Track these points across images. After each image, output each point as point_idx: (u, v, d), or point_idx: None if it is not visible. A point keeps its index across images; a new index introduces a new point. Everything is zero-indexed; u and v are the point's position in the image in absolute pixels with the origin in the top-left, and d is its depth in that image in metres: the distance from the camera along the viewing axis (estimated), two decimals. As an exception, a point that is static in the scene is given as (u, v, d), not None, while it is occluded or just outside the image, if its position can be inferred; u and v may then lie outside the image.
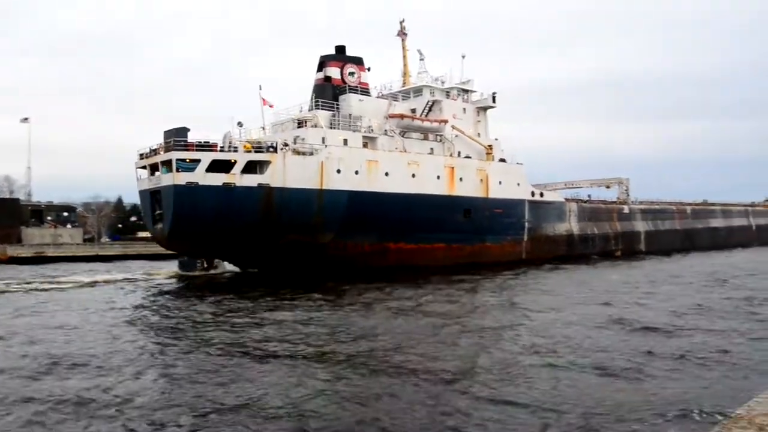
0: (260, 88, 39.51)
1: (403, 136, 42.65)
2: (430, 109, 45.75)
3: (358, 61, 43.98)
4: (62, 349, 15.28)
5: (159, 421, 9.71)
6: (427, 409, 10.15)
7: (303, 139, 37.27)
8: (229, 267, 39.55)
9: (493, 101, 48.97)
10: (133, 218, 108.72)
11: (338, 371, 12.61)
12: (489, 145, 47.25)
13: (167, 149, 34.44)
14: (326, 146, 37.12)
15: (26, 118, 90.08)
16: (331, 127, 39.38)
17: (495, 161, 46.73)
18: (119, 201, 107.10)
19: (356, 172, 37.59)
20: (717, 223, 72.86)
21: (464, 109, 47.85)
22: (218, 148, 34.74)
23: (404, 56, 49.92)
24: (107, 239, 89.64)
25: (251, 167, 34.76)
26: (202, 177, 33.61)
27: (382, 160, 39.04)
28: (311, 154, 36.26)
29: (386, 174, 38.84)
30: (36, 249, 67.98)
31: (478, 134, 48.03)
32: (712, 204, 76.56)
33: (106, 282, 34.17)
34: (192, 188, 33.41)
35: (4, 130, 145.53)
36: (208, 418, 9.82)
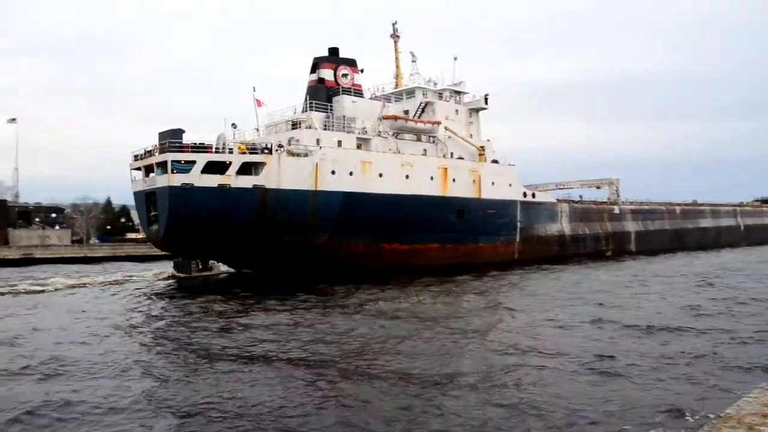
0: (254, 90, 39.88)
1: (396, 138, 43.34)
2: (422, 111, 46.48)
3: (351, 63, 44.63)
4: (49, 352, 15.33)
5: (144, 424, 9.83)
6: (403, 412, 10.25)
7: (297, 140, 37.81)
8: (223, 268, 40.01)
9: (486, 103, 49.82)
10: (122, 219, 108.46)
11: (321, 375, 12.66)
12: (481, 147, 48.07)
13: (162, 150, 34.82)
14: (321, 147, 37.70)
15: (13, 119, 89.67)
16: (325, 129, 39.97)
17: (487, 162, 47.55)
18: (108, 202, 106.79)
19: (350, 174, 38.18)
20: (706, 223, 74.27)
21: (457, 110, 48.63)
22: (213, 150, 35.19)
23: (397, 58, 50.69)
24: (96, 241, 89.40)
25: (246, 168, 35.23)
26: (197, 178, 34.02)
27: (376, 161, 39.68)
28: (306, 155, 36.80)
29: (380, 175, 39.48)
30: (23, 251, 67.86)
31: (471, 135, 48.84)
32: (701, 204, 78.01)
33: (94, 284, 34.14)
34: (187, 189, 33.82)
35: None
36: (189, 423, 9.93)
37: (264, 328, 18.71)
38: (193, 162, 34.26)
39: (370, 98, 46.68)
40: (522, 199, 48.66)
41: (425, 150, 44.61)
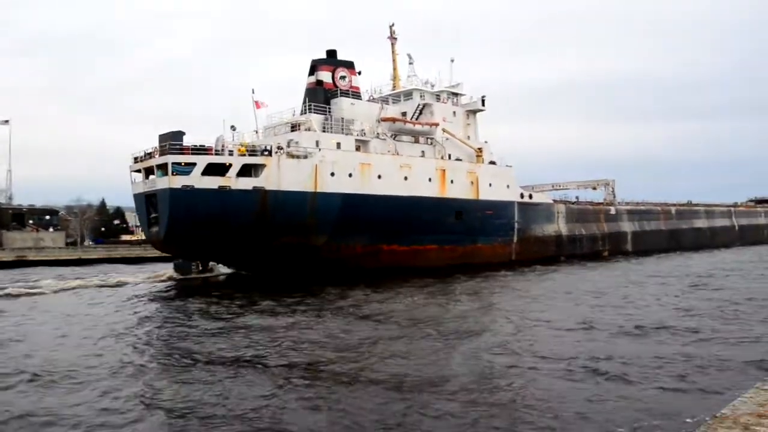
0: (253, 92, 40.38)
1: (394, 139, 43.91)
2: (420, 113, 47.09)
3: (349, 65, 45.19)
4: (38, 355, 15.36)
5: (135, 429, 9.90)
6: (394, 414, 10.31)
7: (297, 142, 38.30)
8: (223, 269, 40.45)
9: (483, 104, 50.49)
10: (117, 221, 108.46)
11: (313, 378, 12.70)
12: (479, 148, 48.74)
13: (163, 153, 35.23)
14: (320, 149, 38.21)
15: (6, 120, 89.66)
16: (323, 131, 40.50)
17: (485, 164, 48.20)
18: (102, 204, 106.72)
19: (350, 175, 38.72)
20: (701, 223, 75.27)
21: (454, 112, 49.28)
22: (213, 152, 35.63)
23: (394, 60, 51.28)
24: (90, 243, 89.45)
25: (246, 170, 35.71)
26: (197, 180, 34.48)
27: (375, 163, 40.23)
28: (305, 157, 37.31)
29: (379, 177, 40.03)
30: (17, 253, 67.97)
31: (468, 137, 49.49)
32: (696, 205, 79.01)
33: (87, 286, 34.23)
34: (188, 191, 34.26)
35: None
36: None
37: (257, 330, 18.73)
38: (194, 164, 34.71)
39: (368, 100, 47.25)
40: (519, 200, 49.33)
41: (423, 152, 45.21)
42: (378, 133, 43.13)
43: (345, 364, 14.07)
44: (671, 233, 68.96)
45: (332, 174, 37.95)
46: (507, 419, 10.19)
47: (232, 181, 35.04)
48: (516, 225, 48.66)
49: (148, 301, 27.78)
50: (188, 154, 35.04)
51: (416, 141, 45.64)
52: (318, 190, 37.23)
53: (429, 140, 45.99)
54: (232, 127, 40.19)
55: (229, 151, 35.95)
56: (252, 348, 16.05)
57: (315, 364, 14.08)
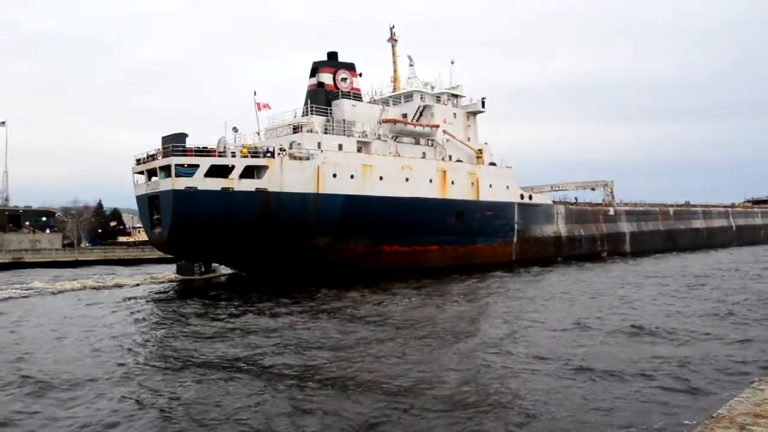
0: (255, 94, 40.77)
1: (395, 141, 44.37)
2: (421, 114, 47.58)
3: (350, 67, 45.62)
4: (28, 359, 15.41)
5: None
6: (377, 417, 10.32)
7: (299, 144, 38.68)
8: (225, 270, 40.81)
9: (483, 106, 51.04)
10: (113, 223, 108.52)
11: (301, 382, 12.66)
12: (479, 149, 49.26)
13: (166, 154, 35.58)
14: (322, 151, 38.62)
15: (3, 122, 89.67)
16: (325, 132, 40.90)
17: (485, 165, 48.70)
18: (99, 205, 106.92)
19: (351, 177, 39.14)
20: (698, 224, 76.01)
21: (454, 113, 49.79)
22: (216, 154, 36.00)
23: (394, 62, 51.74)
24: (87, 244, 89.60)
25: (249, 172, 36.09)
26: (200, 182, 34.83)
27: (377, 164, 40.68)
28: (308, 158, 37.72)
29: (380, 178, 40.47)
30: (14, 254, 67.99)
31: (468, 138, 50.01)
32: (694, 205, 79.75)
33: (83, 288, 34.31)
34: (191, 193, 34.60)
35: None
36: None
37: (253, 332, 18.82)
38: (197, 166, 35.06)
39: (369, 102, 47.69)
40: (519, 201, 49.86)
41: (424, 153, 45.69)
42: (379, 135, 43.59)
43: (338, 366, 14.10)
44: (669, 234, 69.66)
45: (334, 175, 38.37)
46: (501, 421, 10.15)
47: (234, 182, 35.41)
48: (516, 226, 49.18)
49: (146, 303, 27.78)
50: (191, 155, 35.39)
51: (417, 142, 46.11)
52: (320, 192, 37.64)
53: (430, 142, 46.48)
54: (234, 129, 40.56)
55: (232, 152, 36.31)
56: (246, 350, 16.07)
57: (308, 367, 14.06)
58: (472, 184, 46.28)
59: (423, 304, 25.22)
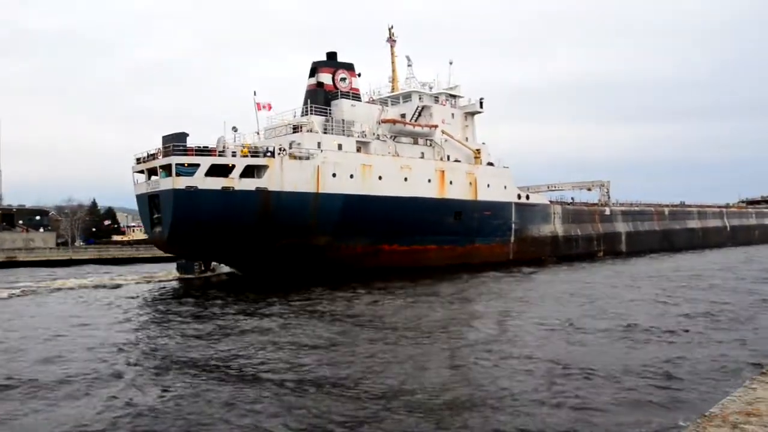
0: (254, 94, 41.12)
1: (394, 141, 44.89)
2: (419, 114, 48.12)
3: (349, 67, 46.09)
4: (20, 361, 15.34)
5: None
6: (359, 417, 10.29)
7: (299, 143, 39.11)
8: (225, 269, 41.19)
9: (481, 106, 51.63)
10: (108, 222, 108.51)
11: (281, 385, 12.54)
12: (477, 149, 49.87)
13: (167, 154, 35.93)
14: (322, 151, 39.07)
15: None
16: (324, 132, 41.36)
17: (483, 165, 49.30)
18: (93, 204, 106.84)
19: (351, 176, 39.62)
20: (693, 224, 76.99)
21: (453, 114, 50.37)
22: (216, 153, 36.37)
23: (393, 62, 52.27)
24: (81, 243, 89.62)
25: (249, 171, 36.49)
26: (201, 181, 35.21)
27: (376, 164, 41.17)
28: (307, 158, 38.16)
29: (380, 178, 40.97)
30: (7, 254, 68.06)
31: (467, 138, 50.60)
32: (689, 206, 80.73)
33: (75, 287, 34.40)
34: (192, 192, 34.97)
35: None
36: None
37: (242, 333, 18.83)
38: (197, 165, 35.43)
39: (367, 102, 48.17)
40: (516, 200, 50.50)
41: (422, 153, 46.23)
42: (378, 135, 44.07)
43: (328, 366, 14.09)
44: (664, 234, 70.56)
45: (334, 175, 38.82)
46: (491, 422, 10.16)
47: (235, 182, 35.81)
48: (513, 225, 49.81)
49: (140, 303, 27.80)
50: (192, 155, 35.75)
51: (415, 142, 46.65)
52: (320, 191, 38.09)
53: (428, 142, 47.02)
54: (234, 129, 40.89)
55: (232, 152, 36.70)
56: (238, 350, 16.09)
57: (297, 366, 14.10)
58: (470, 184, 46.85)
59: (416, 303, 25.29)
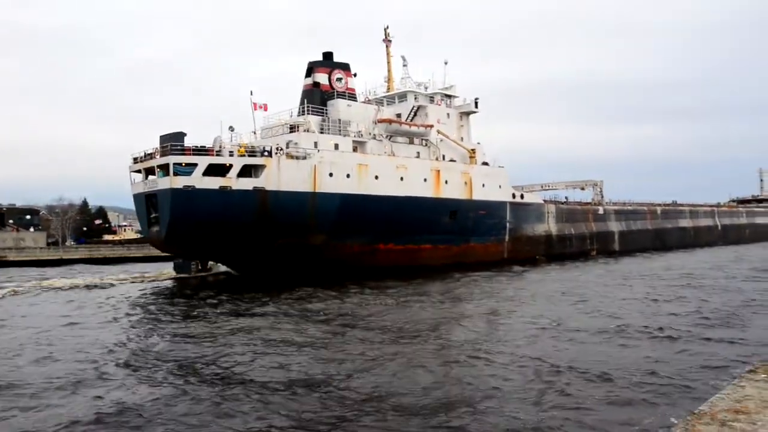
0: (251, 93, 41.50)
1: (390, 140, 45.47)
2: (415, 114, 48.74)
3: (345, 67, 46.61)
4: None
5: None
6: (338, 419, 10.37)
7: (296, 143, 39.58)
8: (222, 268, 41.60)
9: (476, 106, 52.32)
10: (98, 221, 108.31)
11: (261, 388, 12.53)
12: (472, 149, 50.56)
13: (164, 153, 36.27)
14: (318, 150, 39.58)
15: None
16: (321, 132, 41.86)
17: (478, 164, 50.00)
18: (84, 203, 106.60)
19: (348, 176, 40.14)
20: (685, 223, 78.22)
21: (448, 114, 51.03)
22: (214, 153, 36.76)
23: (388, 62, 52.89)
24: (72, 243, 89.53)
25: (246, 171, 36.91)
26: (198, 181, 35.59)
27: (372, 164, 41.73)
28: (304, 158, 38.64)
29: (376, 177, 41.53)
30: (-3, 253, 67.97)
31: (462, 138, 51.27)
32: (681, 205, 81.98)
33: (63, 287, 34.55)
34: (189, 192, 35.35)
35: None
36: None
37: (232, 332, 18.95)
38: (195, 165, 35.79)
39: (363, 102, 48.70)
40: (511, 200, 51.24)
41: (418, 153, 46.86)
42: (374, 135, 44.63)
43: (314, 366, 14.17)
44: (657, 233, 71.69)
45: (331, 174, 39.34)
46: (477, 422, 10.21)
47: (232, 181, 36.22)
48: (508, 225, 50.55)
49: (131, 303, 27.82)
50: (189, 155, 36.11)
51: (411, 142, 47.25)
52: (317, 191, 38.59)
53: (424, 141, 47.65)
54: (231, 128, 41.29)
55: (230, 152, 37.11)
56: (225, 351, 16.17)
57: (281, 367, 14.19)
58: (466, 183, 47.53)
59: (407, 303, 25.43)
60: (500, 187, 50.46)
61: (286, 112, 44.72)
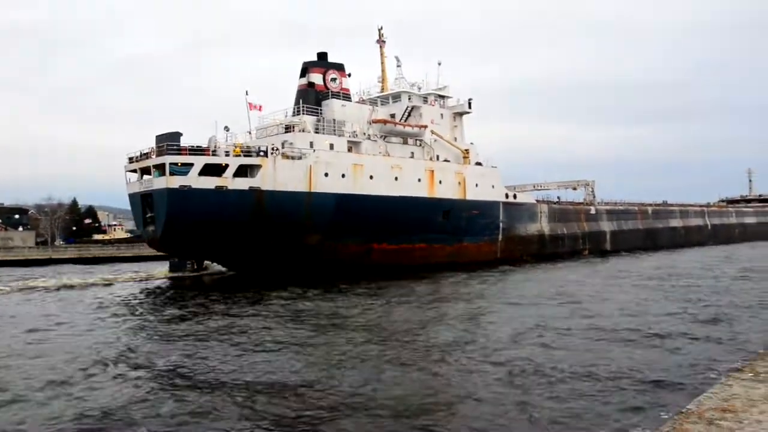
0: (246, 93, 41.98)
1: (384, 141, 46.11)
2: (409, 115, 49.42)
3: (339, 68, 47.21)
4: None
5: None
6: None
7: (291, 143, 40.11)
8: (218, 268, 42.05)
9: (469, 107, 53.13)
10: (88, 220, 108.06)
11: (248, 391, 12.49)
12: (466, 149, 51.33)
13: (160, 153, 36.68)
14: (314, 150, 40.13)
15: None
16: (316, 132, 42.42)
17: (471, 164, 50.77)
18: (74, 202, 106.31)
19: (342, 176, 40.75)
20: (676, 222, 79.58)
21: (441, 114, 51.79)
22: (210, 153, 37.21)
23: (382, 62, 53.50)
24: (61, 242, 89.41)
25: (242, 171, 37.41)
26: (194, 180, 36.05)
27: (367, 164, 42.37)
28: (300, 158, 39.19)
29: (371, 177, 42.17)
30: (-16, 253, 67.81)
31: (455, 139, 52.03)
32: (671, 205, 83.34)
33: (50, 288, 34.50)
34: (185, 191, 35.80)
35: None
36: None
37: (220, 333, 19.00)
38: (191, 164, 36.26)
39: (357, 102, 49.31)
40: (504, 200, 52.07)
41: (412, 153, 47.56)
42: (369, 135, 45.25)
43: (293, 369, 14.14)
44: (648, 232, 72.92)
45: (326, 174, 39.91)
46: (455, 424, 10.22)
47: (228, 181, 36.70)
48: (501, 224, 51.37)
49: (120, 303, 27.81)
50: (186, 154, 36.56)
51: (405, 142, 47.94)
52: (312, 191, 39.15)
53: (418, 142, 48.35)
54: (226, 128, 41.85)
55: (226, 152, 37.60)
56: (211, 353, 16.17)
57: (256, 366, 14.34)
58: (459, 183, 48.28)
59: (395, 303, 25.50)
60: (493, 187, 51.26)
61: (281, 112, 45.27)
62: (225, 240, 36.90)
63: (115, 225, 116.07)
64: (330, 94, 45.71)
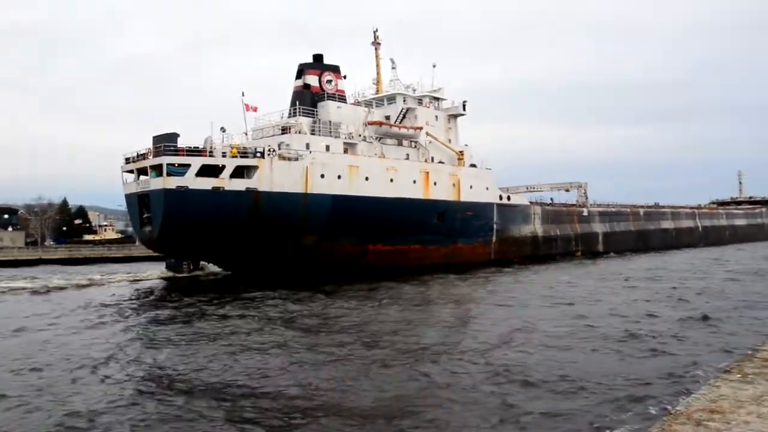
0: (243, 95, 42.52)
1: (379, 142, 46.76)
2: (404, 116, 50.12)
3: (335, 69, 47.82)
4: None
5: None
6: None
7: (288, 144, 40.66)
8: (214, 268, 42.48)
9: (463, 109, 53.90)
10: (79, 221, 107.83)
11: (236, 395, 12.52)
12: (460, 151, 52.09)
13: (157, 154, 37.13)
14: (310, 152, 40.70)
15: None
16: (312, 134, 42.99)
17: (466, 166, 51.53)
18: (64, 202, 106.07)
19: (339, 177, 41.35)
20: (667, 224, 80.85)
21: (436, 116, 52.55)
22: (207, 154, 37.68)
23: (377, 65, 54.21)
24: (51, 243, 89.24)
25: (239, 172, 37.93)
26: (191, 181, 36.53)
27: (363, 165, 43.00)
28: (296, 159, 39.75)
29: (366, 179, 42.80)
30: (-26, 253, 67.58)
31: (450, 140, 52.79)
32: (663, 207, 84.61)
33: (37, 289, 34.58)
34: (182, 192, 36.26)
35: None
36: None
37: (209, 336, 18.96)
38: (188, 165, 36.73)
39: (352, 104, 49.92)
40: (498, 201, 52.88)
41: (407, 154, 48.24)
42: (364, 137, 45.88)
43: (271, 372, 14.13)
44: (640, 234, 74.08)
45: (322, 176, 40.49)
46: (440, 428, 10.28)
47: (225, 182, 37.20)
48: (495, 226, 52.16)
49: (110, 305, 27.72)
50: (183, 155, 37.03)
51: (400, 144, 48.61)
52: (309, 192, 39.72)
53: (413, 143, 49.05)
54: (222, 129, 42.28)
55: (222, 153, 38.09)
56: (197, 357, 16.09)
57: (239, 371, 14.38)
58: (454, 185, 49.02)
59: (385, 305, 25.68)
60: (487, 188, 52.04)
61: (277, 113, 45.80)
62: (222, 241, 37.37)
63: (105, 225, 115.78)
64: (326, 95, 46.29)
